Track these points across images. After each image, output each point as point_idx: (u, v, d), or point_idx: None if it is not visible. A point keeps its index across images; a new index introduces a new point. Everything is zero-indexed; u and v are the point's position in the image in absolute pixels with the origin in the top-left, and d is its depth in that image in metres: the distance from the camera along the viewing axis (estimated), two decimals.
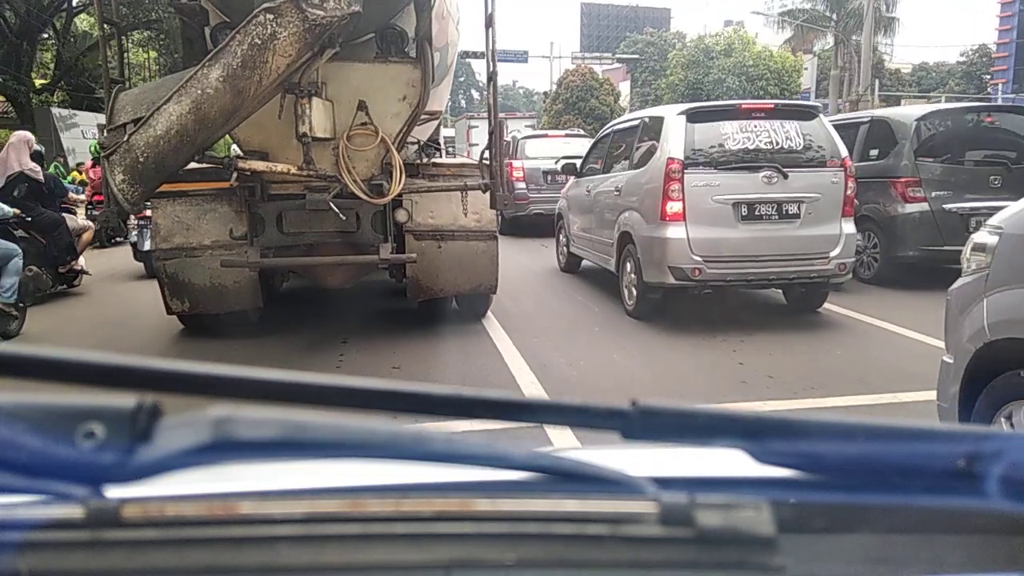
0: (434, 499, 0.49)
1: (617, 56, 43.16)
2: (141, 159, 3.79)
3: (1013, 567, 0.54)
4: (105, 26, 5.09)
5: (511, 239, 10.99)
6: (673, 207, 5.38)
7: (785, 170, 5.44)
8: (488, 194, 5.02)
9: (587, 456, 0.56)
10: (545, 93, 38.35)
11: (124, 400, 0.48)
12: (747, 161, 5.48)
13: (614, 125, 7.50)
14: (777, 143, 5.55)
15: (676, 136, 5.51)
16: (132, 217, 7.84)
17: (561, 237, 8.53)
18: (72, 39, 20.55)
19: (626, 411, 0.51)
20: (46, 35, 20.49)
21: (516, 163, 11.75)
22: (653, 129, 6.00)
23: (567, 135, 13.66)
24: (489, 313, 6.01)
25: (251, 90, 3.76)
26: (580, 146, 11.23)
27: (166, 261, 4.98)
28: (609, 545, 0.48)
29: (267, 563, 0.46)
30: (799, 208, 5.49)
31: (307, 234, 5.03)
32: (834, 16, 35.26)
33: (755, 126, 5.59)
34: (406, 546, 0.48)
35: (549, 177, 11.53)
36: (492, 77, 4.96)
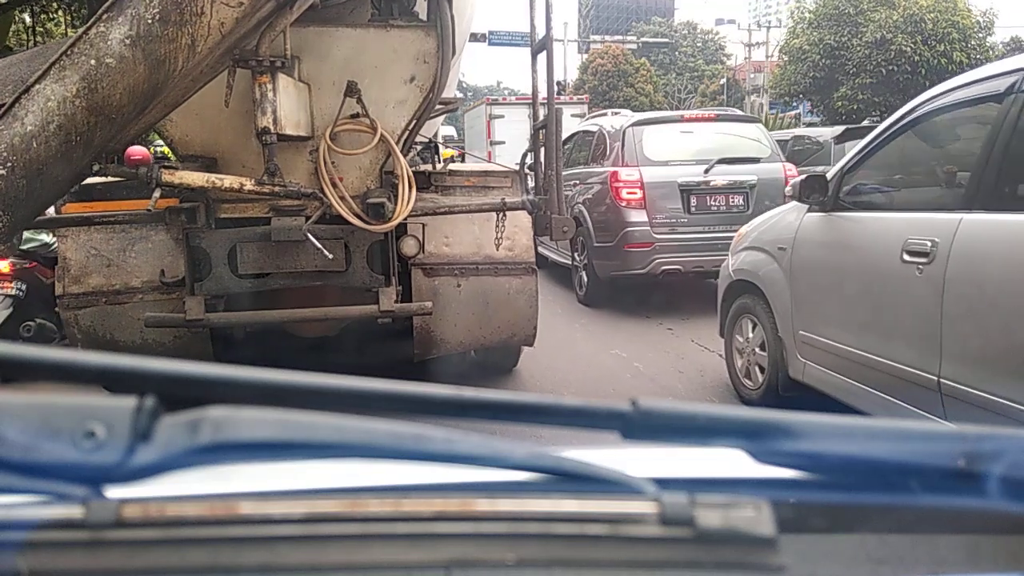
0: (434, 499, 0.49)
1: (642, 40, 41.03)
2: (3, 170, 2.41)
3: (1013, 567, 0.54)
4: None
5: (601, 315, 6.43)
6: None
7: None
8: (529, 214, 3.62)
9: (587, 456, 0.56)
10: (559, 83, 36.36)
11: (124, 400, 0.48)
12: None
13: None
14: None
15: None
16: None
17: (743, 335, 4.04)
18: None
19: (626, 411, 0.51)
20: None
21: (625, 173, 6.42)
22: None
23: (717, 116, 7.39)
24: None
25: (178, 60, 2.30)
26: (745, 139, 6.77)
27: (79, 311, 3.62)
28: (609, 545, 0.48)
29: (267, 563, 0.46)
30: None
31: (273, 276, 3.51)
32: None
33: None
34: (406, 546, 0.48)
35: (692, 200, 6.30)
36: (546, 45, 3.54)
